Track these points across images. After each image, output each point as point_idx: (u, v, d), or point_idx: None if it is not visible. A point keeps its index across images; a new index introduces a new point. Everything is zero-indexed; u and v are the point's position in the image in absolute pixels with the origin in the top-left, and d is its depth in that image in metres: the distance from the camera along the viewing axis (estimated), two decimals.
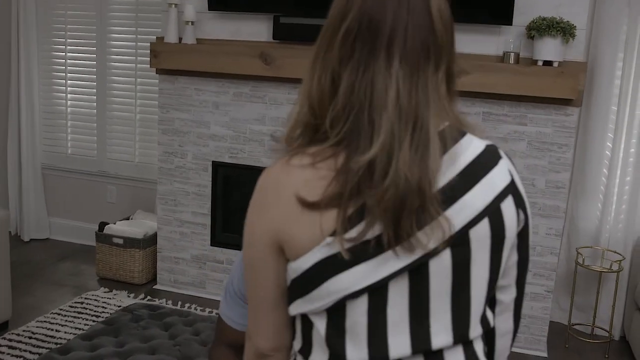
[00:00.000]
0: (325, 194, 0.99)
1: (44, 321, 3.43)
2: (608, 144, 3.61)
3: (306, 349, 1.12)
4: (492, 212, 1.04)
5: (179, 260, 3.95)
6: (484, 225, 1.04)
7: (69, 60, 4.61)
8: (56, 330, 3.34)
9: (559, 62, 3.12)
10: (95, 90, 4.57)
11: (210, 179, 3.80)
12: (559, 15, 3.12)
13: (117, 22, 4.45)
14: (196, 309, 3.67)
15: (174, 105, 3.81)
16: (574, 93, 3.12)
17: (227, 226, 3.88)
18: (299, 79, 3.40)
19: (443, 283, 1.05)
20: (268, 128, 3.66)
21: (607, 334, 3.61)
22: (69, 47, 4.60)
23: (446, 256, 1.03)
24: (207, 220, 3.86)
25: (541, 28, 3.03)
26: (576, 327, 3.72)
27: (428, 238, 1.00)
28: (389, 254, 1.01)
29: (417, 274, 1.03)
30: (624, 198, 3.61)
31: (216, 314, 2.68)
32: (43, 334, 3.29)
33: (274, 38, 3.55)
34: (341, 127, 1.00)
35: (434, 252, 1.02)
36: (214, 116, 3.74)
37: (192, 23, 3.64)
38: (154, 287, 3.99)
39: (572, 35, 3.06)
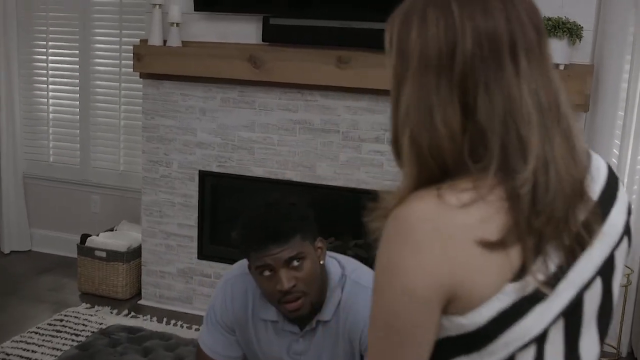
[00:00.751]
0: (505, 228, 0.86)
1: (20, 341, 3.24)
2: (614, 150, 3.44)
3: None
4: (627, 232, 0.98)
5: (164, 274, 3.76)
6: (624, 246, 0.97)
7: (50, 64, 4.43)
8: (32, 351, 3.14)
9: (565, 64, 2.95)
10: (78, 95, 4.39)
11: (197, 188, 3.62)
12: (564, 15, 2.95)
13: (100, 24, 4.27)
14: (182, 326, 3.50)
15: (159, 111, 3.63)
16: (581, 98, 2.94)
17: (215, 238, 3.70)
18: (289, 83, 3.25)
19: (592, 317, 0.95)
20: (258, 135, 3.47)
21: (614, 351, 3.44)
22: (50, 50, 4.41)
23: (598, 284, 0.93)
24: (194, 232, 3.67)
25: (546, 29, 2.86)
26: None
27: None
28: (561, 287, 0.89)
29: (571, 307, 0.91)
30: (632, 208, 3.43)
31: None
32: (18, 355, 3.10)
33: (263, 40, 3.37)
34: (486, 154, 0.88)
35: (591, 279, 0.92)
36: (201, 123, 3.56)
37: (177, 25, 3.46)
38: (138, 302, 3.81)
39: (579, 37, 2.90)
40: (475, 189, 0.87)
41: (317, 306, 1.58)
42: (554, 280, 0.88)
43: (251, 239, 1.53)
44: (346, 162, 3.36)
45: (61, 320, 3.48)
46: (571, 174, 0.89)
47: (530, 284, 0.86)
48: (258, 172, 3.50)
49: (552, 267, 0.88)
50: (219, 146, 3.55)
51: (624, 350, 3.45)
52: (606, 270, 0.94)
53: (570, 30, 2.85)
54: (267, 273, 1.53)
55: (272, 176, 3.48)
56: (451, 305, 0.87)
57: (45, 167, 4.51)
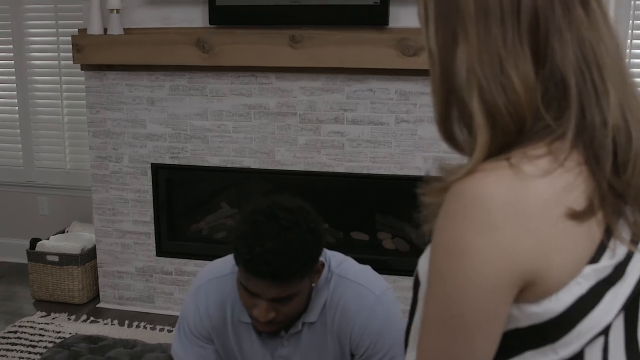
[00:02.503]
0: (590, 194, 0.76)
1: None
2: None
3: None
4: None
5: (122, 274, 3.59)
6: None
7: None
8: None
9: None
10: (15, 92, 4.14)
11: (151, 183, 3.45)
12: None
13: (34, 14, 4.03)
14: (145, 327, 3.35)
15: (104, 104, 3.43)
16: None
17: (173, 234, 3.54)
18: (241, 67, 3.08)
19: None
20: (211, 123, 3.32)
21: None
22: None
23: None
24: (151, 229, 3.51)
25: None
26: None
27: None
28: (628, 268, 0.79)
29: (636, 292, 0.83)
30: None
31: (164, 344, 2.36)
32: None
33: (210, 23, 3.20)
34: (563, 108, 0.78)
35: None
36: (150, 113, 3.38)
37: (118, 11, 3.26)
38: (97, 305, 3.63)
39: None
40: (552, 154, 0.76)
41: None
42: (625, 260, 0.79)
43: (249, 265, 1.32)
44: (305, 146, 3.24)
45: (15, 332, 3.28)
46: None
47: (607, 265, 0.77)
48: (214, 161, 3.35)
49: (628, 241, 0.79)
50: (171, 137, 3.38)
51: None
52: None
53: None
54: (249, 294, 1.38)
55: (229, 165, 3.33)
56: (525, 292, 0.76)
57: None
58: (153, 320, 3.46)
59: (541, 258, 0.75)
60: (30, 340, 3.19)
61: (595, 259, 0.77)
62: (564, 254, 0.76)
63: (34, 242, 3.71)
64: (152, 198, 3.47)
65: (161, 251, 3.53)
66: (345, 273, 1.49)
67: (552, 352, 0.80)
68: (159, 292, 3.57)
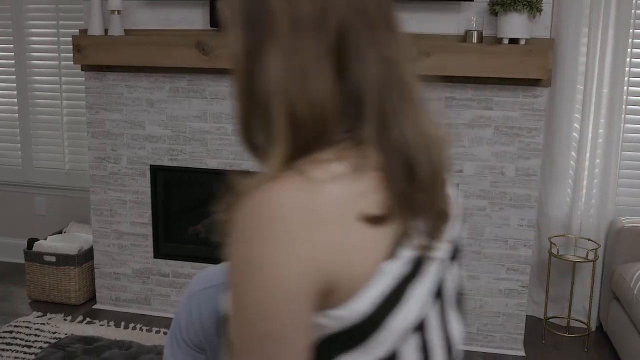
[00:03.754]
0: (386, 200, 0.79)
1: None
2: (575, 125, 3.40)
3: None
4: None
5: (119, 275, 3.58)
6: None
7: None
8: None
9: (526, 39, 2.87)
10: (15, 92, 4.14)
11: (149, 184, 3.44)
12: None
13: (35, 15, 4.02)
14: (141, 329, 3.33)
15: (103, 105, 3.42)
16: (543, 72, 2.87)
17: (171, 236, 3.53)
18: None
19: (452, 297, 0.93)
20: (210, 125, 3.31)
21: (582, 326, 3.41)
22: None
23: (455, 267, 0.94)
24: (149, 231, 3.49)
25: (506, 3, 2.77)
26: (551, 320, 3.51)
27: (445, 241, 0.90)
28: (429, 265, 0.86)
29: (439, 287, 0.89)
30: (595, 182, 3.41)
31: (159, 346, 2.34)
32: None
33: (211, 26, 3.20)
34: (360, 119, 0.82)
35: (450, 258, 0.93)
36: (149, 115, 3.38)
37: (119, 12, 3.26)
38: (93, 306, 3.62)
39: (539, 10, 2.81)
40: (341, 159, 0.79)
41: None
42: (424, 258, 0.84)
43: None
44: None
45: (11, 332, 3.27)
46: (436, 146, 0.86)
47: (406, 260, 0.81)
48: (212, 163, 3.34)
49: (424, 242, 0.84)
50: (170, 139, 3.37)
51: (592, 325, 3.43)
52: (456, 250, 0.94)
53: (530, 4, 2.76)
54: None
55: (228, 167, 3.33)
56: (329, 297, 0.77)
57: None
58: (149, 322, 3.45)
59: (340, 260, 0.75)
60: (26, 341, 3.17)
61: (392, 257, 0.80)
62: (362, 255, 0.77)
63: (31, 242, 3.69)
64: (150, 200, 3.46)
65: (158, 253, 3.52)
66: None
67: (365, 353, 0.80)
68: (156, 294, 3.55)
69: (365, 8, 0.82)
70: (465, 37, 2.97)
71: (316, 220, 0.75)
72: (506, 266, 3.18)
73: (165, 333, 3.31)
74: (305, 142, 0.80)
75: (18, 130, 4.16)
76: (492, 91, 3.02)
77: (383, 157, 0.81)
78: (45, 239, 3.72)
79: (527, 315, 3.41)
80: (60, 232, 3.87)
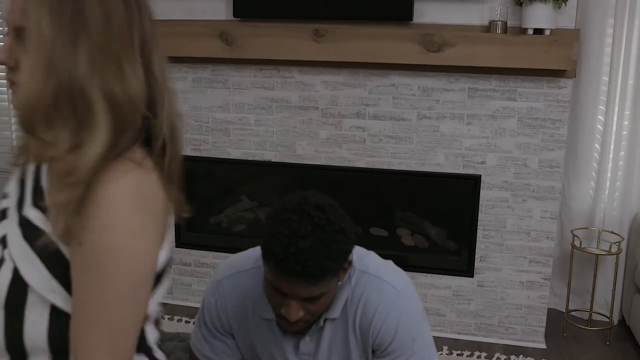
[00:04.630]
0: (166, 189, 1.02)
1: None
2: (600, 117, 3.37)
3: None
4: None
5: None
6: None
7: None
8: None
9: (551, 30, 2.85)
10: None
11: None
12: None
13: None
14: (164, 318, 3.36)
15: None
16: (568, 63, 2.85)
17: (193, 225, 3.55)
18: (264, 60, 3.07)
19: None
20: (233, 116, 3.32)
21: (604, 319, 3.39)
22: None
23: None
24: (171, 220, 3.50)
25: None
26: (572, 313, 3.49)
27: None
28: None
29: None
30: (619, 174, 3.38)
31: (183, 334, 2.36)
32: None
33: (234, 15, 3.21)
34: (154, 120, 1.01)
35: None
36: None
37: None
38: None
39: (564, 0, 2.79)
40: (145, 150, 0.98)
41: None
42: None
43: (283, 265, 1.28)
44: (327, 140, 3.24)
45: None
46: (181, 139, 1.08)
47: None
48: (235, 154, 3.35)
49: None
50: (193, 129, 3.39)
51: (615, 318, 3.40)
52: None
53: None
54: (276, 292, 1.35)
55: (250, 158, 3.34)
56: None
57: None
58: (172, 310, 3.48)
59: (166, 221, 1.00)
60: None
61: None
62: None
63: None
64: None
65: (180, 242, 3.54)
66: (366, 268, 1.47)
67: (162, 288, 1.05)
68: (178, 283, 3.58)
69: (152, 32, 1.04)
70: (489, 28, 2.96)
71: (153, 201, 0.96)
72: (528, 258, 3.16)
73: (187, 322, 3.33)
74: (122, 127, 0.94)
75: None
76: (516, 82, 3.00)
77: (159, 155, 0.99)
78: None
79: (548, 308, 3.40)
80: None
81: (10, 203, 1.03)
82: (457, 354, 3.11)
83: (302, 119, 3.24)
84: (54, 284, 0.94)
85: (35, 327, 0.95)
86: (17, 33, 0.94)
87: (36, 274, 0.94)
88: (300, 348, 1.50)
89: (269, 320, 1.50)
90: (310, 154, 3.26)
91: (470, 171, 3.13)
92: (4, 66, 0.97)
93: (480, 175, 3.12)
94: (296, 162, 3.28)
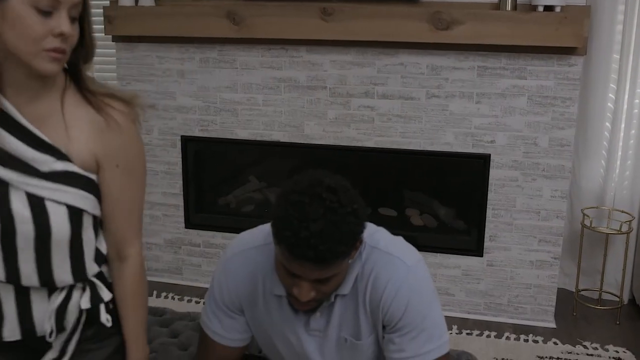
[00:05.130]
0: None
1: None
2: (610, 95, 3.33)
3: None
4: None
5: (151, 245, 3.62)
6: None
7: None
8: None
9: (561, 6, 2.81)
10: None
11: (180, 155, 3.46)
12: None
13: None
14: (173, 299, 3.38)
15: (135, 76, 3.44)
16: (579, 41, 2.82)
17: (202, 206, 3.56)
18: (271, 39, 3.05)
19: None
20: (241, 96, 3.31)
21: (614, 299, 3.38)
22: None
23: None
24: (180, 201, 3.52)
25: None
26: (582, 293, 3.48)
27: None
28: None
29: None
30: (629, 153, 3.35)
31: (193, 313, 2.37)
32: None
33: None
34: None
35: None
36: (180, 86, 3.39)
37: None
38: None
39: None
40: None
41: None
42: None
43: (294, 249, 1.27)
44: (335, 120, 3.22)
45: None
46: None
47: None
48: (243, 134, 3.35)
49: None
50: (201, 109, 3.38)
51: (625, 298, 3.39)
52: None
53: None
54: (288, 272, 1.34)
55: (258, 138, 3.33)
56: None
57: None
58: (181, 291, 3.49)
59: None
60: None
61: None
62: None
63: None
64: (181, 170, 3.48)
65: (190, 223, 3.55)
66: (376, 244, 1.46)
67: None
68: (187, 263, 3.59)
69: None
70: (499, 5, 2.92)
71: None
72: (538, 238, 3.15)
73: (197, 302, 3.35)
74: None
75: None
76: (526, 60, 2.98)
77: None
78: None
79: (558, 288, 3.39)
80: None
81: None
82: (467, 333, 3.12)
83: (310, 98, 3.23)
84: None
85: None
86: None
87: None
88: (310, 324, 1.50)
89: (279, 296, 1.50)
90: (319, 134, 3.25)
91: (480, 150, 3.11)
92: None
93: (490, 155, 3.10)
94: (304, 142, 3.27)
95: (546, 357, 2.91)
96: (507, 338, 3.09)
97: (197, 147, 3.47)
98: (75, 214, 1.24)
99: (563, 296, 3.47)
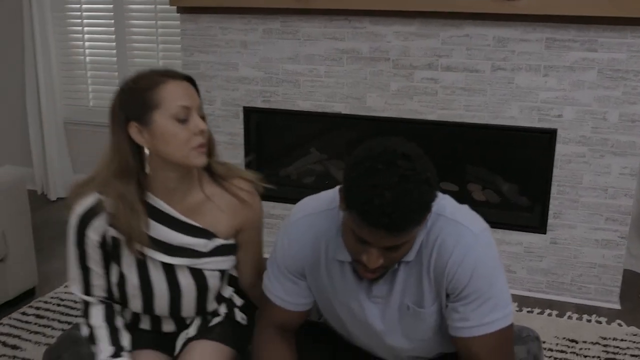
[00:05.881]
0: None
1: None
2: None
3: None
4: None
5: None
6: None
7: (84, 5, 4.29)
8: None
9: None
10: (114, 36, 4.25)
11: (242, 126, 3.49)
12: None
13: None
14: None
15: (198, 47, 3.47)
16: None
17: (263, 177, 3.58)
18: (334, 10, 3.02)
19: None
20: (303, 67, 3.31)
21: None
22: None
23: None
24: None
25: None
26: None
27: None
28: None
29: None
30: None
31: None
32: (72, 300, 3.06)
33: None
34: None
35: None
36: (243, 57, 3.40)
37: None
38: None
39: None
40: None
41: None
42: None
43: (367, 216, 1.25)
44: (397, 92, 3.19)
45: None
46: None
47: None
48: (305, 106, 3.35)
49: None
50: (263, 80, 3.40)
51: None
52: None
53: None
54: (357, 239, 1.33)
55: (320, 109, 3.33)
56: None
57: (85, 112, 4.43)
58: None
59: None
60: None
61: None
62: None
63: None
64: (243, 141, 3.51)
65: None
66: (442, 211, 1.44)
67: None
68: None
69: None
70: None
71: None
72: (605, 216, 3.06)
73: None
74: None
75: (117, 73, 4.29)
76: (597, 31, 2.87)
77: None
78: None
79: (623, 269, 3.30)
80: None
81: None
82: (527, 311, 3.07)
83: (372, 70, 3.20)
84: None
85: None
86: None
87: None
88: (373, 291, 1.50)
89: (342, 262, 1.50)
90: (381, 106, 3.22)
91: (546, 125, 3.03)
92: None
93: (556, 129, 3.02)
94: (366, 114, 3.25)
95: (610, 338, 2.85)
96: (569, 317, 3.03)
97: (259, 118, 3.49)
98: (222, 273, 1.66)
99: (628, 278, 3.37)
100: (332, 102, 3.30)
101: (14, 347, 2.70)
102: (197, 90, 1.53)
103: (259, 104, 3.43)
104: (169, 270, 1.58)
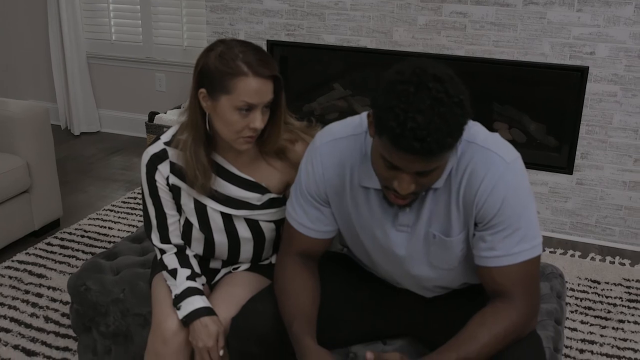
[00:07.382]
0: None
1: (96, 218, 3.23)
2: None
3: None
4: None
5: None
6: None
7: None
8: (109, 228, 3.13)
9: None
10: None
11: None
12: None
13: None
14: None
15: None
16: None
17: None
18: None
19: None
20: (328, 0, 3.23)
21: None
22: None
23: None
24: None
25: None
26: None
27: None
28: None
29: None
30: None
31: None
32: (95, 232, 3.09)
33: None
34: None
35: None
36: None
37: None
38: None
39: None
40: None
41: None
42: None
43: (400, 140, 1.22)
44: (425, 26, 3.11)
45: (134, 198, 3.46)
46: None
47: None
48: (330, 39, 3.28)
49: None
50: (287, 13, 3.32)
51: None
52: None
53: None
54: (388, 165, 1.30)
55: (345, 44, 3.26)
56: None
57: (108, 46, 4.39)
58: None
59: None
60: None
61: None
62: None
63: (152, 115, 3.82)
64: None
65: None
66: (473, 138, 1.40)
67: None
68: None
69: None
70: None
71: None
72: (634, 157, 3.00)
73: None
74: None
75: (139, 7, 4.23)
76: None
77: None
78: (165, 113, 3.83)
79: None
80: (179, 107, 3.97)
81: None
82: (550, 252, 3.05)
83: (400, 3, 3.11)
84: None
85: None
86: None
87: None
88: (399, 219, 1.47)
89: (368, 189, 1.47)
90: (408, 41, 3.15)
91: (577, 62, 2.95)
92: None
93: (588, 67, 2.94)
94: (392, 49, 3.18)
95: (633, 280, 2.83)
96: (592, 259, 3.01)
97: (283, 52, 3.43)
98: (277, 224, 1.77)
99: None
100: (358, 36, 3.22)
101: (40, 275, 2.74)
102: (281, 87, 1.62)
103: (282, 37, 3.36)
104: (228, 220, 1.71)
